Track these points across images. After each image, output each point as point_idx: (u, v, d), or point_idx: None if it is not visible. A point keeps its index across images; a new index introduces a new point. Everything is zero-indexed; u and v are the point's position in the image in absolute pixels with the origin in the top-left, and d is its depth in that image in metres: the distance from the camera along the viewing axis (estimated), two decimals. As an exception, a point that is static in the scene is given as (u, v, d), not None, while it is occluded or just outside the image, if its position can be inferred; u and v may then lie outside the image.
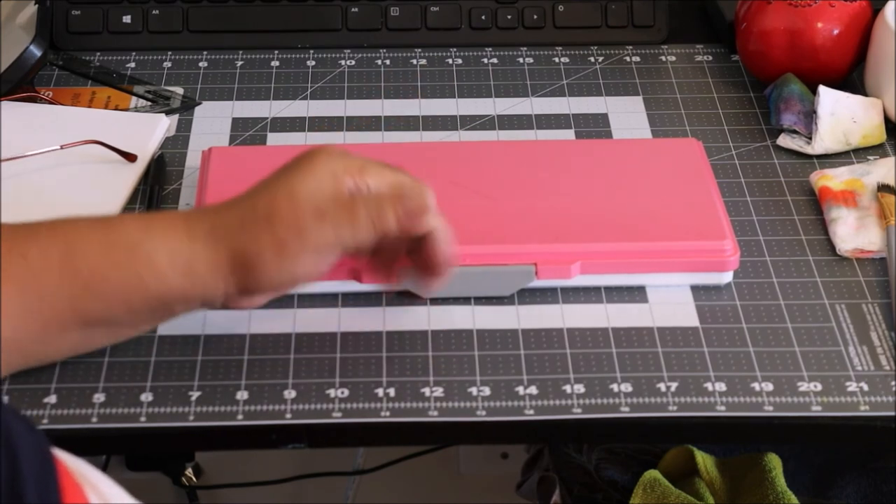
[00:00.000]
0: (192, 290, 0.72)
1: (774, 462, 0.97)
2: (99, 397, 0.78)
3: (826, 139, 0.97)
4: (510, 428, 0.78)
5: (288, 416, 0.77)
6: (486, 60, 1.09)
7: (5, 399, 0.78)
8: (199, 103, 1.04)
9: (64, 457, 0.58)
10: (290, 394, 0.79)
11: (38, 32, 1.01)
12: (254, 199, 0.73)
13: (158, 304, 0.72)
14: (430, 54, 1.10)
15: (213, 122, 1.02)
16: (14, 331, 0.68)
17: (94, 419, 0.77)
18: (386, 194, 0.74)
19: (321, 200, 0.72)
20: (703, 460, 0.99)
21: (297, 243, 0.72)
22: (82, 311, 0.70)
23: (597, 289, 0.86)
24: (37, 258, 0.69)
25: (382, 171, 0.75)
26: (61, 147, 0.94)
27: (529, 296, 0.86)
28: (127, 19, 1.10)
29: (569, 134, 1.01)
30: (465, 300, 0.85)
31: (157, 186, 0.93)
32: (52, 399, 0.78)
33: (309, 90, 1.06)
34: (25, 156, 0.94)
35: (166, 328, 0.83)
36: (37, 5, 1.03)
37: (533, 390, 0.79)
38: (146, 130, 0.98)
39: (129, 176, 0.94)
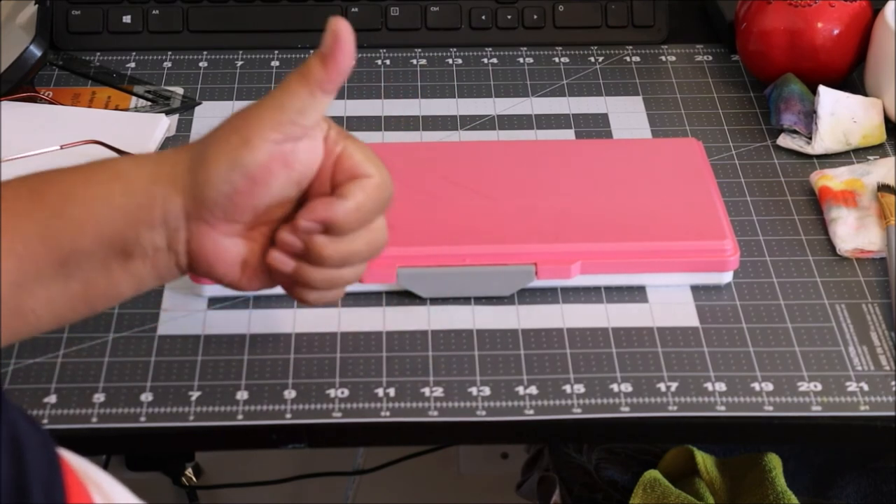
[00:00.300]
0: (153, 191, 0.69)
1: (774, 462, 0.97)
2: (99, 397, 0.78)
3: (826, 139, 0.97)
4: (510, 428, 0.78)
5: (288, 416, 0.77)
6: (486, 60, 1.09)
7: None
8: (199, 103, 1.04)
9: (68, 456, 0.58)
10: (290, 394, 0.79)
11: (38, 32, 1.01)
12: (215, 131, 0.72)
13: (125, 223, 0.69)
14: (430, 54, 1.10)
15: (213, 122, 1.00)
16: None
17: (94, 419, 0.77)
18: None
19: (268, 95, 0.71)
20: (703, 460, 0.99)
21: (243, 123, 0.70)
22: (53, 243, 0.68)
23: (597, 289, 0.86)
24: (8, 195, 0.67)
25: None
26: (61, 147, 0.94)
27: (529, 296, 0.86)
28: (127, 19, 1.10)
29: (569, 134, 1.01)
30: (465, 300, 0.85)
31: (157, 186, 0.93)
32: (52, 399, 0.78)
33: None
34: (25, 156, 0.94)
35: (166, 328, 0.83)
36: (37, 5, 1.03)
37: (533, 390, 0.79)
38: (146, 130, 0.98)
39: (129, 176, 0.94)
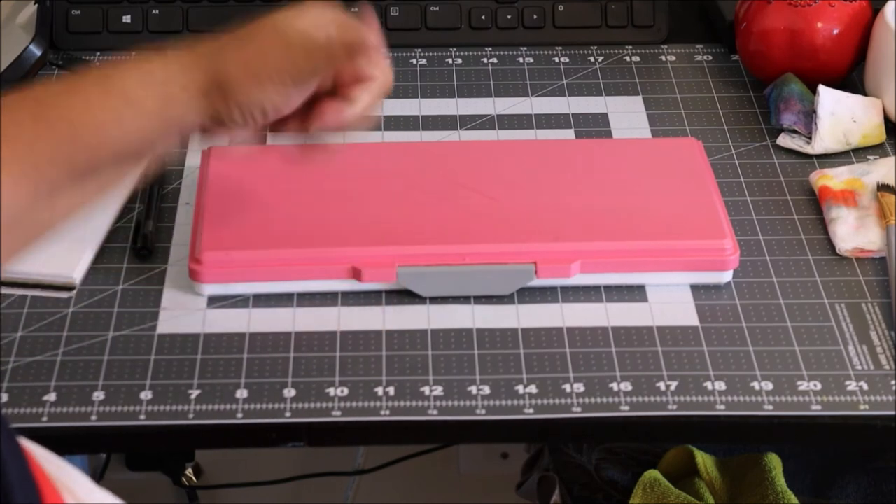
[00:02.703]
0: (167, 114, 0.71)
1: (774, 462, 0.97)
2: (98, 395, 0.78)
3: (826, 139, 0.97)
4: (510, 427, 0.78)
5: (287, 414, 0.77)
6: (485, 60, 1.09)
7: None
8: (199, 103, 1.04)
9: (34, 450, 0.57)
10: (289, 392, 0.79)
11: (38, 32, 1.01)
12: (239, 29, 0.75)
13: (140, 142, 0.70)
14: (430, 54, 1.10)
15: (213, 121, 1.02)
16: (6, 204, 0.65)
17: (94, 417, 0.77)
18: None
19: (294, 36, 0.74)
20: (703, 460, 0.99)
21: (261, 65, 0.73)
22: (67, 166, 0.68)
23: (597, 288, 0.86)
24: (8, 122, 0.65)
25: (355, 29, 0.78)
26: (61, 146, 0.94)
27: (529, 295, 0.86)
28: (127, 19, 1.10)
29: (569, 134, 1.01)
30: (464, 299, 0.85)
31: (156, 186, 0.93)
32: (52, 397, 0.78)
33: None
34: (25, 155, 0.93)
35: (166, 327, 0.83)
36: (37, 5, 1.03)
37: (533, 389, 0.79)
38: (146, 130, 0.98)
39: (129, 175, 0.94)
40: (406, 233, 0.85)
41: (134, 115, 0.69)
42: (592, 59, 1.10)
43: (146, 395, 0.78)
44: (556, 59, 1.10)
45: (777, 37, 1.02)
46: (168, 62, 0.72)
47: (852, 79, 1.05)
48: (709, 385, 0.80)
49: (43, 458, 0.57)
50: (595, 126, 1.02)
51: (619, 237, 0.86)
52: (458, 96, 1.05)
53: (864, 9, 1.03)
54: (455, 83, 1.07)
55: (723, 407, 0.78)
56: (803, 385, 0.80)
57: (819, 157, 0.98)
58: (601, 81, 1.07)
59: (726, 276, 0.86)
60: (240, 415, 0.77)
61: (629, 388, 0.79)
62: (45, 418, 0.77)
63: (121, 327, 0.83)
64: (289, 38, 0.74)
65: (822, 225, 0.92)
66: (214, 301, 0.85)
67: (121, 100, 0.69)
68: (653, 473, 0.97)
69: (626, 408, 0.78)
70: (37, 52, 1.00)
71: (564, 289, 0.86)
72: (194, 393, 0.79)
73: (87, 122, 0.68)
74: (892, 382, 0.80)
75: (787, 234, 0.91)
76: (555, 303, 0.85)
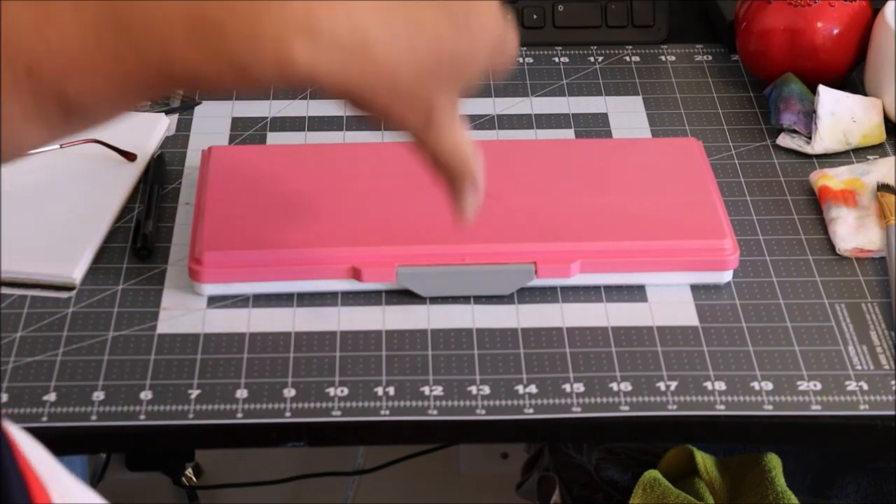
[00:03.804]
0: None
1: (774, 462, 0.97)
2: (98, 395, 0.78)
3: (826, 139, 0.97)
4: (510, 427, 0.78)
5: (287, 414, 0.77)
6: (486, 60, 1.09)
7: None
8: (199, 103, 1.04)
9: (20, 439, 0.56)
10: (289, 392, 0.79)
11: (38, 32, 1.01)
12: None
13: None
14: (430, 54, 1.10)
15: (212, 121, 1.02)
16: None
17: (94, 417, 0.77)
18: None
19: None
20: (703, 460, 0.99)
21: None
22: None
23: (596, 288, 0.86)
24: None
25: None
26: (61, 146, 0.94)
27: (529, 295, 0.86)
28: (127, 19, 1.10)
29: (569, 134, 1.01)
30: (464, 299, 0.85)
31: (156, 186, 0.93)
32: (52, 397, 0.78)
33: (308, 89, 1.06)
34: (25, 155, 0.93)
35: (166, 326, 0.83)
36: (37, 5, 1.03)
37: (532, 389, 0.79)
38: (146, 130, 0.99)
39: (129, 175, 0.94)
40: (406, 233, 0.85)
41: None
42: (592, 59, 1.10)
43: (146, 395, 0.78)
44: (556, 59, 1.10)
45: (777, 37, 1.02)
46: None
47: (852, 79, 1.05)
48: (709, 385, 0.80)
49: (32, 455, 0.57)
50: (595, 126, 1.02)
51: (619, 237, 0.86)
52: (458, 96, 1.05)
53: (864, 9, 1.03)
54: (455, 83, 1.07)
55: (723, 407, 0.78)
56: (803, 385, 0.80)
57: (819, 157, 0.98)
58: (601, 81, 1.07)
59: (726, 276, 0.86)
60: (240, 415, 0.77)
61: (629, 388, 0.79)
62: (44, 418, 0.77)
63: (121, 327, 0.83)
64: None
65: (822, 225, 0.92)
66: (214, 301, 0.85)
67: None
68: (653, 473, 0.97)
69: (626, 408, 0.78)
70: (37, 52, 1.00)
71: (564, 289, 0.86)
72: (194, 393, 0.79)
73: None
74: (892, 382, 0.80)
75: (787, 234, 0.91)
76: (555, 303, 0.85)
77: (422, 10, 0.56)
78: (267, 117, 1.03)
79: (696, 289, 0.86)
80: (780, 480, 0.96)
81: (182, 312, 0.84)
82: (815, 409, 0.78)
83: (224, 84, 0.56)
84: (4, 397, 0.78)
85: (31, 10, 0.54)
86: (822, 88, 0.98)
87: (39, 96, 0.56)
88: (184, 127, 1.01)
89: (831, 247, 0.90)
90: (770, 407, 0.78)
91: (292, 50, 0.53)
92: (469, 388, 0.79)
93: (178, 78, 0.56)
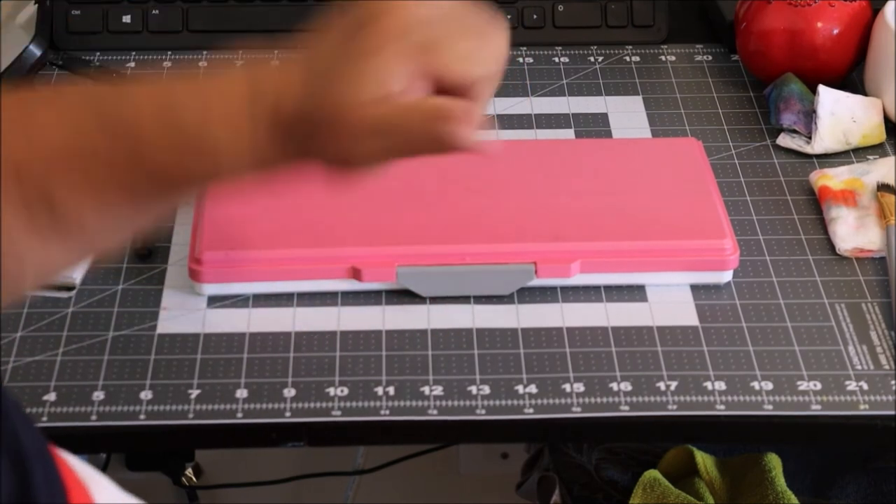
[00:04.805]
0: (264, 172, 0.66)
1: (774, 462, 0.97)
2: (98, 395, 0.78)
3: (826, 139, 0.97)
4: (510, 427, 0.78)
5: (287, 414, 0.77)
6: (486, 60, 1.09)
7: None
8: (199, 103, 1.04)
9: (65, 456, 0.57)
10: (289, 392, 0.79)
11: (38, 32, 1.01)
12: (314, 92, 0.64)
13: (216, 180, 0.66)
14: (430, 54, 1.10)
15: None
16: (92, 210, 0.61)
17: (94, 417, 0.77)
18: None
19: (377, 117, 0.64)
20: (703, 460, 0.99)
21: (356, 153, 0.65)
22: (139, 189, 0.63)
23: (596, 288, 0.86)
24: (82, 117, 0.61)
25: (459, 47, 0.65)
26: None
27: (529, 295, 0.86)
28: (127, 19, 1.10)
29: (569, 134, 1.01)
30: (464, 299, 0.85)
31: (156, 185, 0.93)
32: (52, 397, 0.78)
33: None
34: (25, 155, 0.93)
35: (166, 326, 0.83)
36: (37, 5, 1.03)
37: (532, 389, 0.79)
38: (146, 130, 0.98)
39: (129, 175, 0.94)
40: (406, 233, 0.85)
41: (227, 168, 0.64)
42: (592, 59, 1.10)
43: (146, 394, 0.78)
44: (556, 59, 1.10)
45: (777, 37, 1.02)
46: (256, 127, 0.63)
47: (852, 79, 1.05)
48: (709, 385, 0.80)
49: (70, 458, 0.58)
50: (595, 126, 1.02)
51: (619, 237, 0.86)
52: (458, 96, 1.05)
53: (864, 9, 1.03)
54: (455, 83, 1.07)
55: (723, 407, 0.78)
56: (803, 385, 0.80)
57: (819, 156, 0.98)
58: (601, 81, 1.07)
59: (726, 276, 0.86)
60: (240, 415, 0.77)
61: (629, 387, 0.79)
62: (44, 418, 0.77)
63: (121, 327, 0.83)
64: (374, 123, 0.63)
65: (822, 225, 0.92)
66: (214, 301, 0.85)
67: (205, 146, 0.63)
68: (653, 473, 0.97)
69: (626, 408, 0.78)
70: (37, 52, 1.00)
71: (564, 289, 0.86)
72: (194, 393, 0.79)
73: (170, 164, 0.63)
74: (892, 382, 0.80)
75: (786, 234, 0.91)
76: (555, 303, 0.85)
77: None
78: (267, 117, 1.02)
79: (696, 289, 0.86)
80: (780, 480, 0.96)
81: (182, 312, 0.84)
82: (815, 409, 0.78)
83: (189, 167, 0.63)
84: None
85: (15, 110, 0.60)
86: (822, 88, 0.98)
87: (28, 198, 0.60)
88: (184, 127, 1.01)
89: (831, 247, 0.90)
90: (770, 407, 0.78)
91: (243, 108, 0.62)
92: (469, 388, 0.79)
93: (149, 170, 0.62)
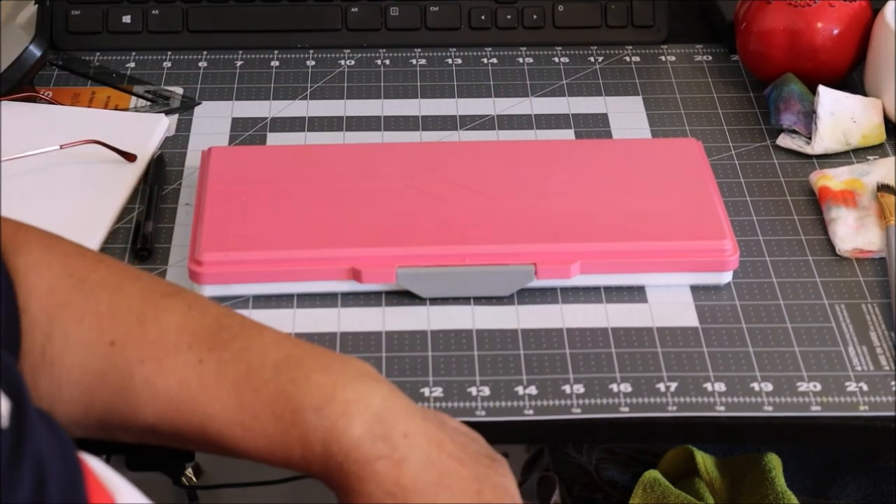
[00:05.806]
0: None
1: (774, 462, 0.97)
2: (98, 397, 0.78)
3: (826, 139, 0.97)
4: (510, 428, 0.78)
5: (287, 415, 0.77)
6: (485, 60, 1.09)
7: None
8: (199, 103, 1.04)
9: (89, 460, 0.57)
10: (289, 393, 0.79)
11: (38, 32, 1.01)
12: None
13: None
14: (430, 54, 1.10)
15: (212, 122, 1.02)
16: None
17: (94, 419, 0.77)
18: None
19: None
20: (703, 460, 0.99)
21: None
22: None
23: (596, 289, 0.86)
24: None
25: None
26: (61, 147, 0.94)
27: (529, 296, 0.85)
28: (127, 19, 1.10)
29: (569, 134, 1.01)
30: (464, 300, 0.85)
31: (156, 186, 0.93)
32: (52, 399, 0.78)
33: (309, 90, 1.06)
34: (25, 156, 0.94)
35: (166, 328, 0.83)
36: (37, 5, 1.03)
37: (532, 390, 0.79)
38: (146, 130, 0.99)
39: (129, 176, 0.94)
40: (406, 234, 0.85)
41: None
42: (592, 59, 1.10)
43: (146, 396, 0.78)
44: (556, 60, 1.10)
45: (777, 37, 1.02)
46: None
47: (852, 79, 1.05)
48: (708, 386, 0.80)
49: (91, 461, 0.58)
50: (595, 126, 1.02)
51: (619, 238, 0.85)
52: (458, 96, 1.05)
53: (864, 9, 1.03)
54: (455, 83, 1.07)
55: (723, 408, 0.78)
56: (803, 386, 0.80)
57: (819, 157, 0.98)
58: (601, 81, 1.07)
59: (726, 277, 0.86)
60: (240, 416, 0.77)
61: (629, 389, 0.79)
62: (44, 419, 0.77)
63: (121, 328, 0.83)
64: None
65: (822, 225, 0.92)
66: (214, 302, 0.85)
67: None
68: (653, 473, 0.97)
69: (626, 409, 0.78)
70: (37, 52, 1.00)
71: (564, 290, 0.86)
72: (194, 394, 0.78)
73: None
74: (892, 383, 0.80)
75: (786, 235, 0.91)
76: (554, 304, 0.85)
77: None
78: (267, 118, 1.03)
79: (696, 289, 0.86)
80: (780, 480, 0.95)
81: (182, 313, 0.84)
82: (815, 410, 0.78)
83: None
84: (4, 399, 0.78)
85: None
86: (821, 89, 0.98)
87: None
88: (184, 127, 1.01)
89: (831, 247, 0.90)
90: (770, 408, 0.78)
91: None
92: (469, 390, 0.79)
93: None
